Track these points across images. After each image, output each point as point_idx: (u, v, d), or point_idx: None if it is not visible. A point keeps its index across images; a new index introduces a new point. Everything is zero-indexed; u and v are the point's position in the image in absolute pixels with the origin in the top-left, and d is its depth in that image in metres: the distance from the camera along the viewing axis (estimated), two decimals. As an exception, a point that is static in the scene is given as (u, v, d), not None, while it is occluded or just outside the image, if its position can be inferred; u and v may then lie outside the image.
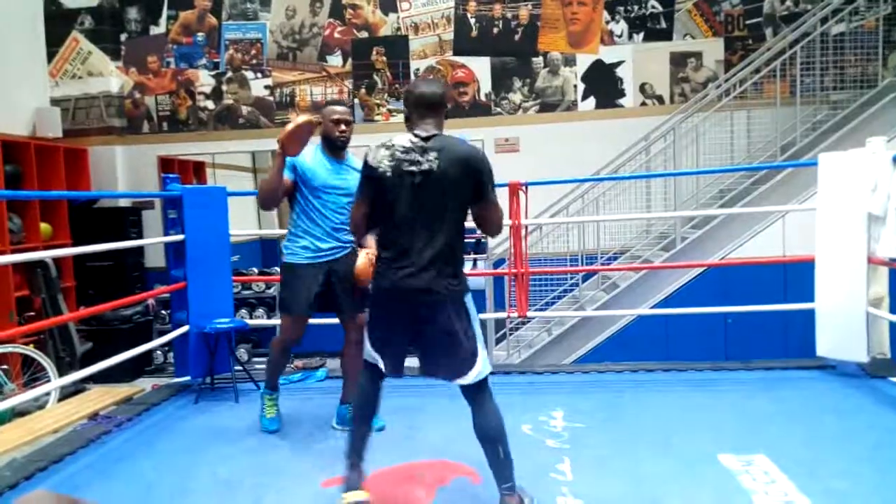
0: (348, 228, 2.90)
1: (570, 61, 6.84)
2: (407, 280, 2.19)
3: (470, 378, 2.23)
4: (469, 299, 2.29)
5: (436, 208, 2.20)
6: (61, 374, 4.94)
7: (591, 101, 6.84)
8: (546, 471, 2.66)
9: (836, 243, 3.77)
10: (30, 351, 4.94)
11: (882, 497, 2.35)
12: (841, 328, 3.76)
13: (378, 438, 3.05)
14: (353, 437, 2.42)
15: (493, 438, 2.23)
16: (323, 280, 3.09)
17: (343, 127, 3.06)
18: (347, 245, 3.13)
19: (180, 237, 4.00)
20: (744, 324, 5.30)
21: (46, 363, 4.92)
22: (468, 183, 2.22)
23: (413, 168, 2.18)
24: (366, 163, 2.27)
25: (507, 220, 4.15)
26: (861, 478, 2.49)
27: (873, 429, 3.01)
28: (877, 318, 3.74)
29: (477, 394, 2.26)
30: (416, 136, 2.24)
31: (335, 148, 3.11)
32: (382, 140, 2.29)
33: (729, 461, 2.68)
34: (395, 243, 2.23)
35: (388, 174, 2.20)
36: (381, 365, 2.35)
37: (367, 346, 2.37)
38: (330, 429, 3.23)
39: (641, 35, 6.76)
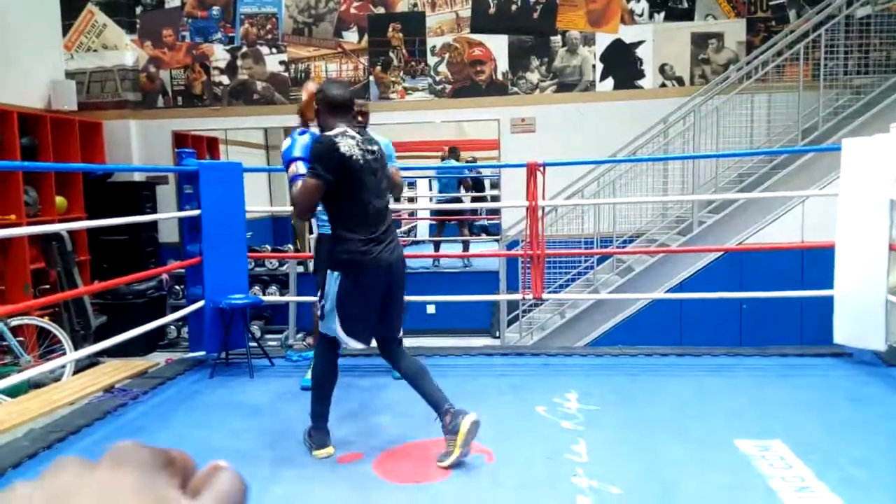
0: None
1: (588, 40, 6.74)
2: (385, 255, 2.52)
3: (400, 333, 2.69)
4: None
5: (384, 189, 2.61)
6: (76, 346, 4.98)
7: (610, 81, 6.75)
8: (561, 452, 2.66)
9: (858, 230, 3.72)
10: (45, 323, 4.98)
11: (901, 485, 2.33)
12: (859, 316, 3.72)
13: (392, 419, 3.07)
14: (321, 406, 2.73)
15: (423, 372, 2.59)
16: None
17: (360, 118, 3.30)
18: None
19: (196, 212, 4.00)
20: (760, 310, 5.27)
21: (62, 336, 4.96)
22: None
23: (370, 156, 2.53)
24: (337, 150, 2.46)
25: (524, 202, 4.14)
26: (878, 466, 2.47)
27: (890, 418, 2.98)
28: (895, 306, 3.69)
29: (399, 345, 2.69)
30: (352, 129, 2.56)
31: None
32: (335, 131, 2.54)
33: (745, 446, 2.67)
34: (367, 223, 2.52)
35: (361, 161, 2.50)
36: (356, 343, 2.59)
37: (338, 327, 2.56)
38: (344, 406, 3.24)
39: (662, 15, 6.63)
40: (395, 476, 2.51)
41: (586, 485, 2.37)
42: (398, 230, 3.72)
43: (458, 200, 8.69)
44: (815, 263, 4.68)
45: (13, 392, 3.93)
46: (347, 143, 2.50)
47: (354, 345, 2.60)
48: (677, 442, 2.74)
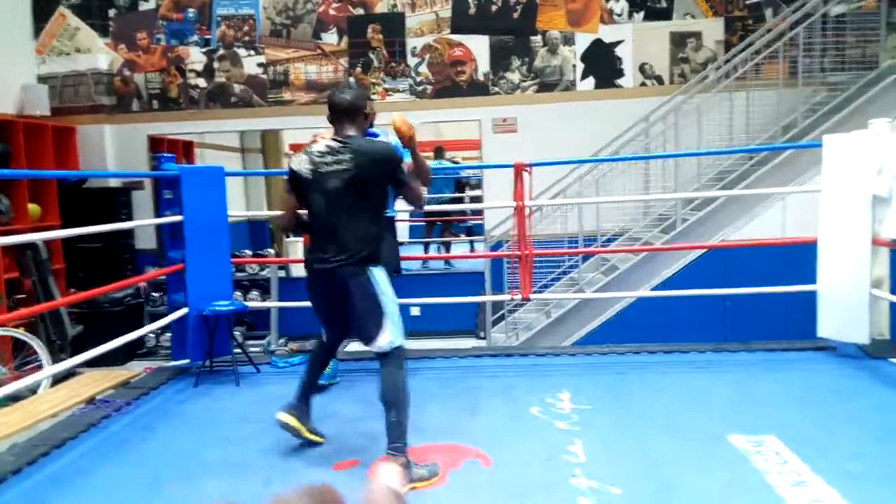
0: None
1: (569, 40, 6.76)
2: (328, 264, 2.55)
3: (376, 346, 2.57)
4: (376, 276, 2.57)
5: (350, 202, 2.52)
6: (53, 357, 4.86)
7: (590, 80, 6.78)
8: (558, 453, 2.64)
9: (841, 225, 3.77)
10: (21, 334, 4.85)
11: (896, 478, 2.35)
12: (843, 310, 3.77)
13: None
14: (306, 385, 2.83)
15: (387, 403, 2.51)
16: None
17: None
18: None
19: (178, 218, 3.92)
20: (742, 306, 5.31)
21: (38, 347, 4.84)
22: (382, 175, 2.56)
23: (330, 168, 2.52)
24: (290, 167, 2.65)
25: (511, 202, 4.12)
26: (873, 459, 2.49)
27: (879, 410, 3.02)
28: (877, 300, 3.75)
29: (383, 361, 2.57)
30: (334, 139, 2.58)
31: None
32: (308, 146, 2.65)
33: (739, 442, 2.68)
34: (318, 234, 2.61)
35: (309, 177, 2.55)
36: (325, 338, 2.77)
37: None
38: (340, 411, 3.20)
39: (641, 14, 6.68)
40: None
41: (586, 486, 2.35)
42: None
43: (456, 201, 8.73)
44: (796, 259, 4.73)
45: (-9, 406, 3.81)
46: (300, 158, 2.61)
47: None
48: (672, 439, 2.74)
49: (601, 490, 2.32)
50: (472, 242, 8.97)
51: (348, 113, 2.60)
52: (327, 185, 2.51)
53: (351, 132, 2.59)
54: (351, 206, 2.53)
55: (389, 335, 2.55)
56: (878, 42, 5.85)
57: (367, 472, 2.55)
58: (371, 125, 3.37)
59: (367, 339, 2.59)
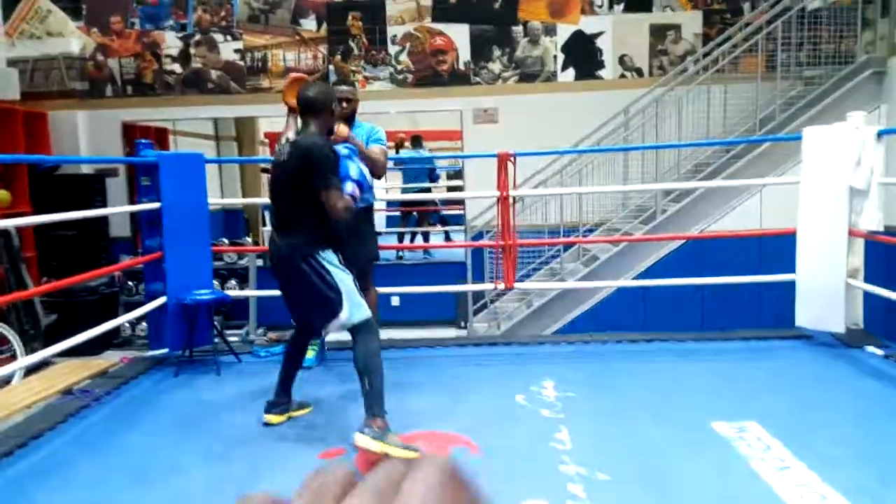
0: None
1: (550, 31, 6.75)
2: (274, 248, 2.75)
3: (339, 324, 2.65)
4: (324, 258, 2.64)
5: (286, 191, 2.71)
6: (26, 346, 4.75)
7: (571, 72, 6.78)
8: (545, 440, 2.66)
9: (819, 216, 3.83)
10: (-8, 324, 4.73)
11: (877, 463, 2.40)
12: (820, 299, 3.84)
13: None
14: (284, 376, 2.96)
15: (360, 371, 2.60)
16: None
17: (344, 104, 3.34)
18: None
19: (156, 205, 3.85)
20: (720, 295, 5.39)
21: (11, 336, 4.73)
22: (305, 171, 2.64)
23: (282, 159, 2.73)
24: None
25: (492, 192, 4.12)
26: (853, 445, 2.55)
27: (856, 397, 3.09)
28: (852, 289, 3.83)
29: (355, 335, 2.66)
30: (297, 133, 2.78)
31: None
32: None
33: (722, 428, 2.72)
34: (274, 221, 2.84)
35: (276, 162, 2.78)
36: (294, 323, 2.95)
37: None
38: (323, 399, 3.18)
39: (622, 6, 6.70)
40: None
41: (574, 472, 2.37)
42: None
43: (428, 191, 8.68)
44: (773, 249, 4.81)
45: (-38, 397, 3.71)
46: (276, 147, 2.82)
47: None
48: (656, 426, 2.77)
49: (589, 477, 2.34)
50: (447, 233, 8.92)
51: (309, 110, 2.72)
52: (278, 176, 2.75)
53: (313, 128, 2.71)
54: (292, 197, 2.68)
55: (348, 311, 2.62)
56: (853, 37, 5.94)
57: (353, 460, 2.54)
58: (354, 112, 3.42)
59: (328, 320, 2.67)
